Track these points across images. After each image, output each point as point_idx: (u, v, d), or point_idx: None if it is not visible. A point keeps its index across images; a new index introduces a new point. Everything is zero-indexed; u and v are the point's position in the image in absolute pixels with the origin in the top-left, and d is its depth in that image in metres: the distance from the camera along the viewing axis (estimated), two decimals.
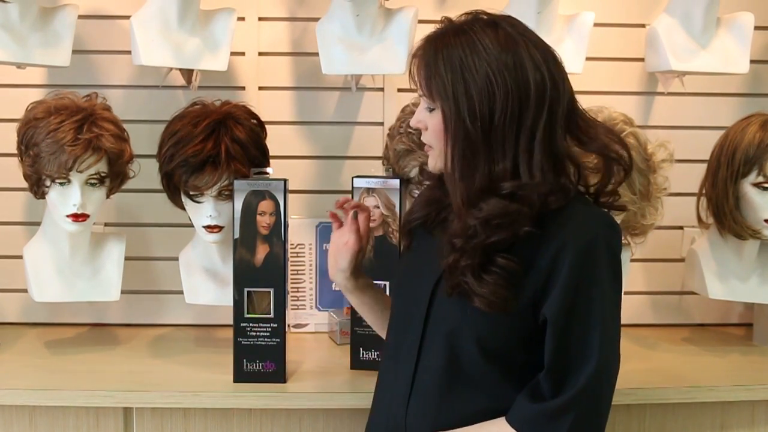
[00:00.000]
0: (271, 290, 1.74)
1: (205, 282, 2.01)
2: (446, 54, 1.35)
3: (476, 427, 1.38)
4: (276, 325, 1.75)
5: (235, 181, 1.74)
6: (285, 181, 1.74)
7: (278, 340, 1.75)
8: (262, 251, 1.74)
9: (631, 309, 2.30)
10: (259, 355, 1.76)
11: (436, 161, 1.43)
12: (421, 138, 1.45)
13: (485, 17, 1.40)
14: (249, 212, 1.73)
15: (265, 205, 1.73)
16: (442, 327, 1.40)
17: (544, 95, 1.34)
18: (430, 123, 1.40)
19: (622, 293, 1.39)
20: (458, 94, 1.33)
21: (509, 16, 1.42)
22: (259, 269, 1.74)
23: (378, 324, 1.67)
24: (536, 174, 1.33)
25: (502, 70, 1.32)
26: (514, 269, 1.33)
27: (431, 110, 1.39)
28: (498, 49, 1.33)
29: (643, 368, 1.97)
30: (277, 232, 1.74)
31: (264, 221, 1.73)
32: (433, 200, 1.54)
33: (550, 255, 1.32)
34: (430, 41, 1.39)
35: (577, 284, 1.32)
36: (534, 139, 1.34)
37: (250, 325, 1.75)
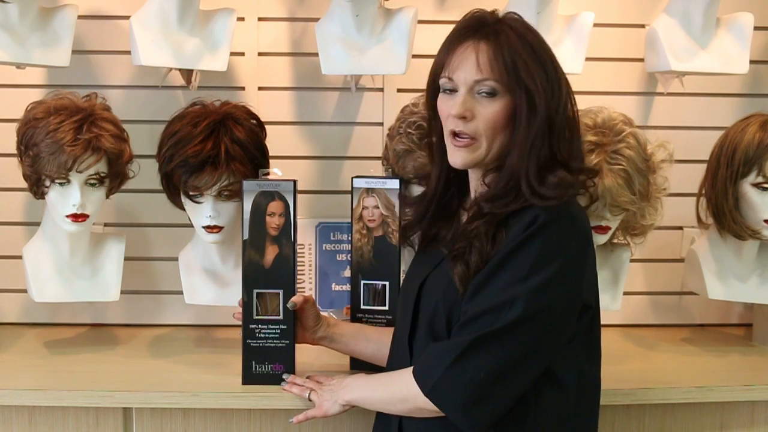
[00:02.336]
0: (281, 291, 1.73)
1: (204, 282, 2.01)
2: (517, 39, 1.40)
3: (389, 373, 1.53)
4: (285, 327, 1.73)
5: (244, 182, 1.72)
6: (294, 181, 1.73)
7: (288, 341, 1.74)
8: (271, 252, 1.73)
9: (631, 309, 2.31)
10: (269, 357, 1.74)
11: (476, 154, 1.43)
12: (462, 128, 1.42)
13: (517, 17, 1.46)
14: (258, 213, 1.72)
15: (274, 206, 1.72)
16: (425, 319, 1.46)
17: (569, 86, 1.46)
18: (484, 111, 1.40)
19: (570, 288, 1.38)
20: (539, 80, 1.38)
21: None
22: (269, 270, 1.72)
23: (371, 349, 1.74)
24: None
25: (556, 64, 1.43)
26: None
27: (492, 96, 1.39)
28: (547, 46, 1.44)
29: (643, 368, 1.97)
30: (287, 233, 1.72)
31: (273, 222, 1.72)
32: (421, 214, 1.58)
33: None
34: (484, 29, 1.41)
35: (505, 252, 1.36)
36: (575, 122, 1.45)
37: (259, 326, 1.73)
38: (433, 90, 1.50)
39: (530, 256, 1.33)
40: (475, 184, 1.50)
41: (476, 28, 1.42)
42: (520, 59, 1.38)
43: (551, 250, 1.34)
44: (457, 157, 1.44)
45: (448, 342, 1.39)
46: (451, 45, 1.44)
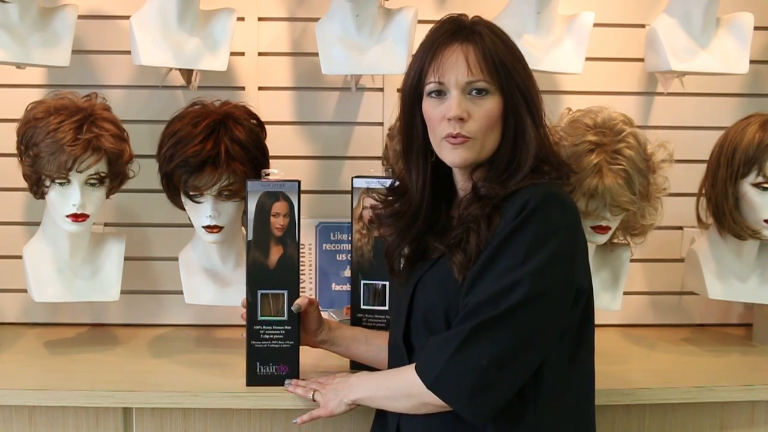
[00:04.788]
0: (285, 292, 1.72)
1: (204, 282, 2.01)
2: (499, 41, 1.45)
3: (392, 370, 1.53)
4: (290, 328, 1.72)
5: (249, 183, 1.71)
6: (299, 182, 1.72)
7: (292, 342, 1.73)
8: (275, 253, 1.71)
9: (631, 309, 2.31)
10: (273, 358, 1.73)
11: (472, 152, 1.44)
12: (459, 130, 1.43)
13: (487, 21, 1.50)
14: (263, 214, 1.71)
15: (279, 207, 1.71)
16: (420, 315, 1.47)
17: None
18: (479, 110, 1.43)
19: (565, 270, 1.39)
20: (526, 79, 1.45)
21: None
22: (273, 271, 1.71)
23: (372, 353, 1.74)
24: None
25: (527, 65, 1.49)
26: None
27: (483, 95, 1.42)
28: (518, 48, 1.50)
29: (643, 368, 1.97)
30: (291, 234, 1.71)
31: (278, 222, 1.71)
32: (405, 228, 1.55)
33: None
34: (467, 31, 1.45)
35: (498, 241, 1.37)
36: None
37: (264, 327, 1.73)
38: (413, 96, 1.50)
39: (524, 242, 1.35)
40: (463, 184, 1.51)
41: (457, 31, 1.46)
42: (507, 59, 1.44)
43: (544, 233, 1.36)
44: (455, 156, 1.45)
45: (448, 333, 1.39)
46: (435, 49, 1.46)
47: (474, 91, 1.43)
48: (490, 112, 1.42)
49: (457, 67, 1.43)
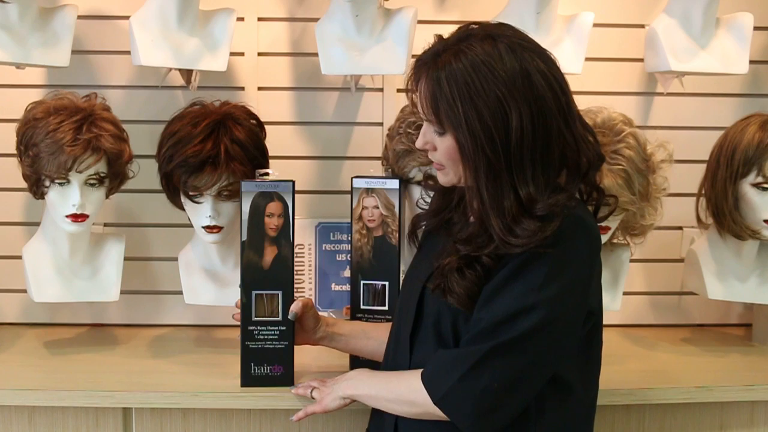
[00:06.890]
0: (280, 293, 1.72)
1: (204, 282, 2.01)
2: (451, 80, 1.32)
3: (395, 372, 1.50)
4: (284, 328, 1.73)
5: (243, 183, 1.71)
6: (293, 182, 1.73)
7: (287, 342, 1.73)
8: (270, 253, 1.72)
9: (631, 309, 2.31)
10: (267, 359, 1.73)
11: (449, 178, 1.43)
12: (429, 156, 1.44)
13: (479, 31, 1.36)
14: (257, 214, 1.71)
15: (273, 207, 1.71)
16: (430, 319, 1.45)
17: (561, 103, 1.34)
18: (440, 146, 1.39)
19: (580, 297, 1.37)
20: (471, 121, 1.31)
21: (501, 24, 1.40)
22: (268, 271, 1.72)
23: (372, 346, 1.73)
24: (569, 186, 1.37)
25: (512, 90, 1.30)
26: (492, 267, 1.36)
27: (441, 134, 1.38)
28: (503, 67, 1.31)
29: (643, 368, 1.97)
30: (285, 234, 1.71)
31: (272, 223, 1.71)
32: (439, 210, 1.57)
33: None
34: (429, 65, 1.36)
35: (520, 260, 1.33)
36: (565, 148, 1.35)
37: (258, 328, 1.73)
38: None
39: (546, 265, 1.32)
40: None
41: (428, 59, 1.37)
42: (443, 98, 1.32)
43: (565, 259, 1.34)
44: (438, 177, 1.46)
45: (461, 351, 1.38)
46: (417, 79, 1.40)
47: (432, 129, 1.39)
48: (448, 149, 1.37)
49: (419, 102, 1.39)
